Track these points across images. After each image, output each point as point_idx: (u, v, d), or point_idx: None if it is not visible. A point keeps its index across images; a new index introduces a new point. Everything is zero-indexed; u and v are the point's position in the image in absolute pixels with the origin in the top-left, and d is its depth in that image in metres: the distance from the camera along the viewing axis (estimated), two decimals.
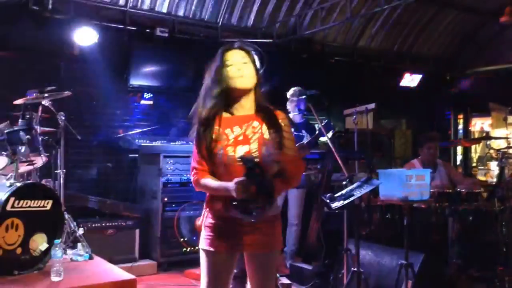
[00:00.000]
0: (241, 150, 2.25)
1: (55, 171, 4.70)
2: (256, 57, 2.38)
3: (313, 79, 7.34)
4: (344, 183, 3.47)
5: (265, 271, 2.36)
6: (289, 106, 5.24)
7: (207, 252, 2.33)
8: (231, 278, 2.39)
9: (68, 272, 3.65)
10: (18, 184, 3.77)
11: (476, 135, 9.61)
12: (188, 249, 5.58)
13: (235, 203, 2.15)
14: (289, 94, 5.20)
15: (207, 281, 2.33)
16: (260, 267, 2.36)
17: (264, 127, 2.31)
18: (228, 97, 2.34)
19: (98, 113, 6.24)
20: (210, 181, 2.28)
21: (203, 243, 2.35)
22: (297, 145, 4.70)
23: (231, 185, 2.13)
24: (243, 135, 2.29)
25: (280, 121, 2.35)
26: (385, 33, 8.46)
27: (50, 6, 5.69)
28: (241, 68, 2.30)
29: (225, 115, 2.34)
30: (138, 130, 6.41)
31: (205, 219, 2.36)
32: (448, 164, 5.68)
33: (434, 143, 5.05)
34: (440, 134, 6.42)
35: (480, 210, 4.05)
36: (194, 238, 5.51)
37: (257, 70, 2.36)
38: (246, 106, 2.35)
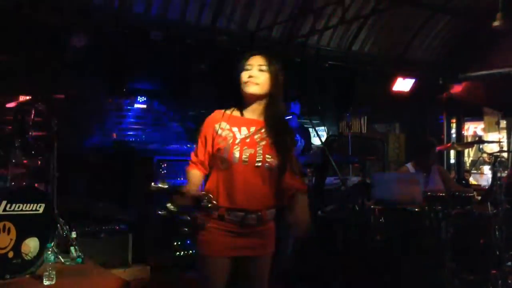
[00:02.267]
0: (247, 152, 2.27)
1: (48, 175, 4.67)
2: (276, 67, 2.40)
3: (307, 83, 7.40)
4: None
5: (260, 273, 2.37)
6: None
7: (205, 257, 2.32)
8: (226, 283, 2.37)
9: (61, 276, 3.62)
10: (11, 188, 3.76)
11: (469, 139, 9.64)
12: (182, 253, 5.55)
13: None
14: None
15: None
16: (255, 270, 2.36)
17: (272, 136, 2.34)
18: (242, 99, 2.39)
19: (91, 116, 6.22)
20: (191, 176, 2.38)
21: (202, 248, 2.34)
22: None
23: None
24: (251, 139, 2.32)
25: (289, 139, 2.42)
26: (379, 38, 8.49)
27: (43, 10, 5.67)
28: (255, 74, 2.33)
29: (235, 113, 2.39)
30: (132, 133, 6.40)
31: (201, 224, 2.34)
32: (442, 169, 5.68)
33: (435, 149, 5.05)
34: (433, 139, 6.44)
35: (473, 214, 4.05)
36: (188, 242, 5.49)
37: (274, 78, 2.37)
38: (257, 111, 2.39)
